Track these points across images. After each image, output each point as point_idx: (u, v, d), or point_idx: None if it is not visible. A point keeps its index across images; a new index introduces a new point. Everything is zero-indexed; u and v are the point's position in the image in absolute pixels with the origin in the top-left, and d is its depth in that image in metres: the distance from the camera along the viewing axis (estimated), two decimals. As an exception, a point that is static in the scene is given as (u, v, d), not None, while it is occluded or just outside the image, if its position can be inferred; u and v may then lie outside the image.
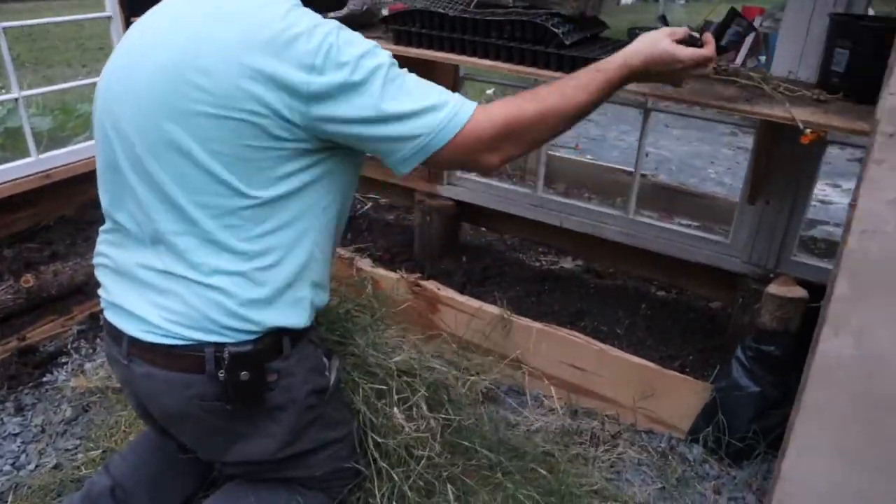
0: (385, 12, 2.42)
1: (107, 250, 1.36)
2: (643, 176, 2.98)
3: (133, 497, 1.53)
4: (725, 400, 1.95)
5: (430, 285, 2.33)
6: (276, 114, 1.13)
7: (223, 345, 1.24)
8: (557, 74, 1.94)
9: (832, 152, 4.60)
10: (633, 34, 1.90)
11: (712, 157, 4.93)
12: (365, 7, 2.41)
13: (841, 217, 3.25)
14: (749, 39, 2.09)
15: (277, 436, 1.36)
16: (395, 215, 3.38)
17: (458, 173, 2.82)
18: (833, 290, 1.31)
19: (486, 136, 1.21)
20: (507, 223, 2.84)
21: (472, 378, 2.05)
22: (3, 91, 4.22)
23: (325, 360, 1.44)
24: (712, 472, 1.95)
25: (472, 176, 2.87)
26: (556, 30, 1.91)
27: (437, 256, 2.90)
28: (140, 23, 1.30)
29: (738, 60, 2.12)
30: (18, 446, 1.96)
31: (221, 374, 1.23)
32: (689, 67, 1.36)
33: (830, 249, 3.10)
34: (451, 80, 2.63)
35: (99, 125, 1.29)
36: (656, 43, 1.34)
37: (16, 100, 2.54)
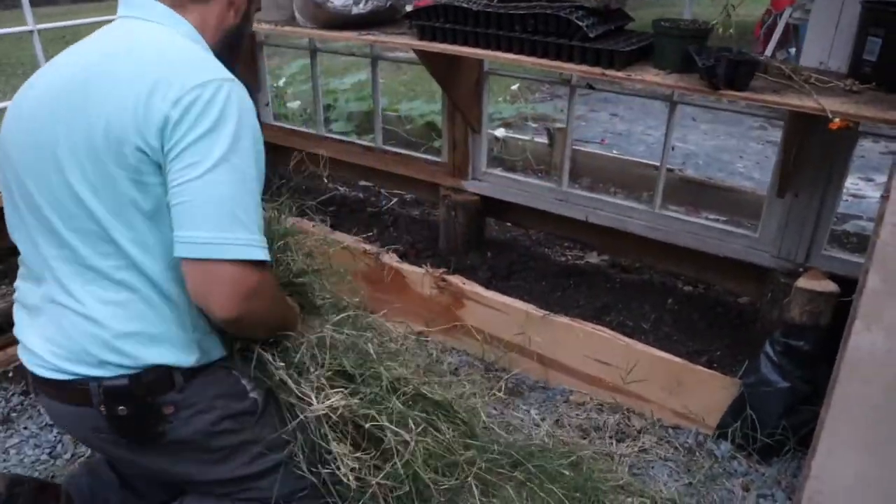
0: (409, 8, 2.43)
1: (18, 283, 1.35)
2: (670, 170, 2.94)
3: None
4: (754, 395, 1.93)
5: (456, 280, 2.34)
6: None
7: (101, 379, 1.20)
8: (582, 67, 1.93)
9: (865, 145, 4.50)
10: (658, 27, 1.89)
11: (740, 152, 4.86)
12: (388, 3, 2.42)
13: (874, 211, 3.19)
14: (778, 31, 2.06)
15: (198, 464, 1.32)
16: (420, 210, 3.39)
17: (485, 168, 2.82)
18: (865, 283, 1.29)
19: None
20: (533, 218, 2.83)
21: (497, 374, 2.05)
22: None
23: (243, 382, 1.34)
24: (740, 469, 1.93)
25: (498, 170, 2.87)
26: (580, 23, 1.90)
27: (462, 251, 2.90)
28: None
29: (768, 52, 2.10)
30: (55, 436, 2.01)
31: (102, 409, 1.21)
32: None
33: (863, 244, 3.04)
34: (476, 75, 2.62)
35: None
36: None
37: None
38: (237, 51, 1.38)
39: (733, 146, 4.96)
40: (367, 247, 2.50)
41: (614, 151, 4.58)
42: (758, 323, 2.34)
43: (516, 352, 2.23)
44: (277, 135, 3.38)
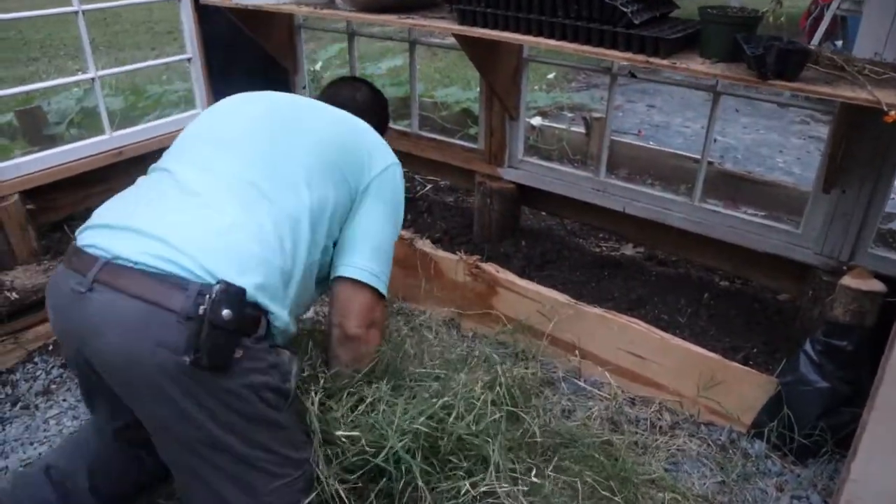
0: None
1: (144, 180, 1.49)
2: (709, 163, 2.89)
3: (72, 477, 1.46)
4: (791, 394, 1.89)
5: (490, 268, 2.33)
6: None
7: (210, 285, 1.19)
8: (625, 55, 1.89)
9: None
10: (706, 14, 1.84)
11: (781, 146, 4.75)
12: (430, -14, 2.40)
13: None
14: (824, 23, 1.99)
15: (228, 420, 1.24)
16: (455, 197, 3.38)
17: (521, 155, 2.79)
18: (916, 282, 1.25)
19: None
20: (569, 207, 2.80)
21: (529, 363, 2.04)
22: (80, 72, 4.37)
23: (289, 365, 1.35)
24: (774, 469, 1.90)
25: (534, 159, 2.84)
26: (624, 9, 1.86)
27: (496, 239, 2.88)
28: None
29: (813, 44, 2.03)
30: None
31: (202, 309, 1.15)
32: None
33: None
34: (515, 61, 2.59)
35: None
36: None
37: (92, 80, 2.63)
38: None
39: (773, 140, 4.86)
40: (401, 232, 2.50)
41: (651, 143, 4.51)
42: (797, 321, 2.29)
43: (548, 342, 2.21)
44: (314, 118, 3.38)
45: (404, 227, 2.76)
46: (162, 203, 1.33)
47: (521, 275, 2.41)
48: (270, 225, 1.32)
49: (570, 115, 4.88)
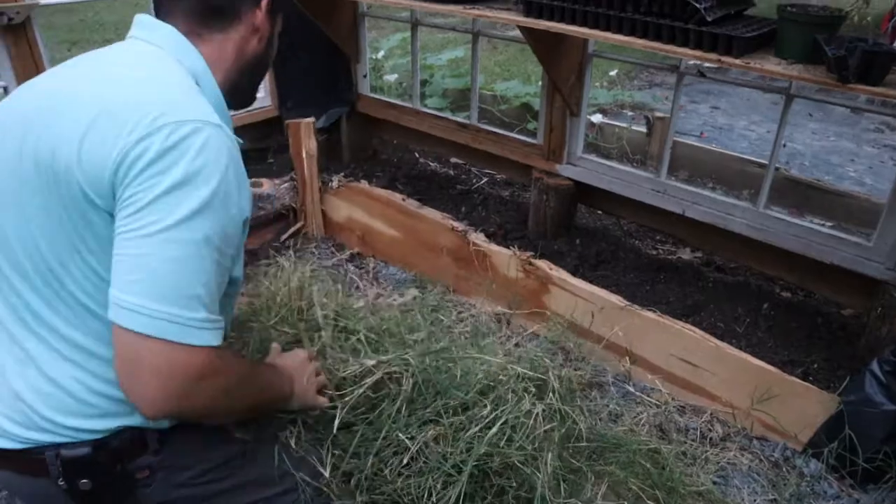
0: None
1: None
2: (775, 169, 2.79)
3: None
4: (854, 415, 1.80)
5: (543, 265, 2.29)
6: None
7: (59, 446, 1.01)
8: (696, 53, 1.84)
9: None
10: (784, 13, 1.76)
11: (852, 155, 4.56)
12: (496, -23, 2.37)
13: None
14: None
15: None
16: (511, 191, 3.35)
17: (580, 153, 2.74)
18: None
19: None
20: (626, 207, 2.74)
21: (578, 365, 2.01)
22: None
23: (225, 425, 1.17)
24: (831, 492, 1.82)
25: (593, 156, 2.79)
26: (697, 5, 1.80)
27: (550, 236, 2.84)
28: None
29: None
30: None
31: (61, 483, 1.01)
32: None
33: None
34: (579, 56, 2.54)
35: None
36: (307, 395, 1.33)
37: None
38: (259, 80, 1.26)
39: (845, 148, 4.67)
40: (455, 224, 2.49)
41: (713, 146, 4.39)
42: (863, 338, 2.19)
43: (599, 343, 2.17)
44: (374, 106, 3.40)
45: (459, 217, 2.76)
46: None
47: (575, 274, 2.36)
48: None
49: (630, 113, 4.79)
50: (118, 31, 7.08)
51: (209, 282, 0.95)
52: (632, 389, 2.13)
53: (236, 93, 1.17)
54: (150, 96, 0.97)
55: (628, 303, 2.15)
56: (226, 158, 0.97)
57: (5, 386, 1.02)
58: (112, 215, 0.94)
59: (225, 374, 0.99)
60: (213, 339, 0.95)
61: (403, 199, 2.66)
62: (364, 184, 2.83)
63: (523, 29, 2.24)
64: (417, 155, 3.72)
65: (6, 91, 2.39)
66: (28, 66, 2.36)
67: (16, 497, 1.18)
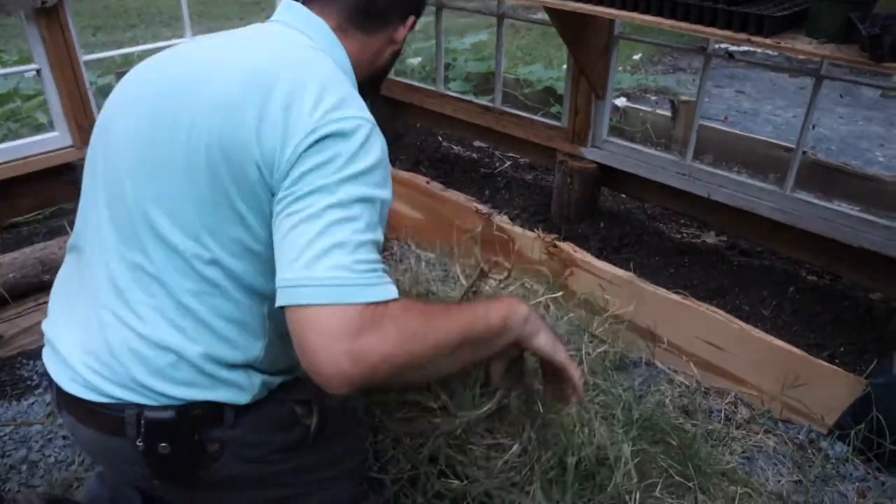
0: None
1: (64, 271, 1.18)
2: (803, 153, 2.76)
3: None
4: (881, 398, 1.79)
5: (567, 247, 2.30)
6: None
7: (143, 407, 1.01)
8: (725, 33, 1.82)
9: None
10: (817, -9, 1.74)
11: (882, 139, 4.49)
12: (523, -41, 2.36)
13: None
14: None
15: (245, 496, 1.15)
16: (534, 175, 3.35)
17: (605, 135, 2.73)
18: None
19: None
20: (650, 191, 2.73)
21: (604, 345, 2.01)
22: (174, 38, 4.53)
23: (296, 410, 1.16)
24: (856, 474, 1.82)
25: (618, 139, 2.78)
26: (728, -16, 1.79)
27: (574, 219, 2.84)
28: None
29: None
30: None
31: (139, 444, 1.02)
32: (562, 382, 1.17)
33: None
34: (605, 38, 2.53)
35: None
36: (557, 343, 1.13)
37: (188, 42, 2.71)
38: (377, 90, 1.28)
39: (874, 132, 4.59)
40: (479, 207, 2.50)
41: (738, 130, 4.34)
42: (891, 322, 2.18)
43: (623, 325, 2.17)
44: (398, 89, 3.41)
45: (482, 200, 2.77)
46: (74, 311, 1.10)
47: (599, 257, 2.37)
48: (173, 313, 1.01)
49: (654, 98, 4.75)
50: (142, 17, 7.14)
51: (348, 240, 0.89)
52: (655, 371, 2.14)
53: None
54: (325, 83, 0.98)
55: (653, 285, 2.15)
56: (383, 154, 0.99)
57: (101, 340, 1.03)
58: (273, 193, 0.94)
59: (396, 320, 0.89)
60: (366, 292, 0.87)
61: (427, 182, 2.67)
62: (388, 166, 2.84)
63: (549, 11, 2.24)
64: (441, 138, 3.72)
65: (39, 73, 2.43)
66: (60, 50, 2.40)
67: (95, 462, 1.20)
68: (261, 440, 1.11)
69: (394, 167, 2.84)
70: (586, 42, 2.47)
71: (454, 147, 3.65)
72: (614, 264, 2.30)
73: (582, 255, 2.28)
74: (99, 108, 2.61)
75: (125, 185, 1.03)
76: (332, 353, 0.84)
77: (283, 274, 0.89)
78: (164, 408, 1.01)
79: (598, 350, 1.84)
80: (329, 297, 0.85)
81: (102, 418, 1.03)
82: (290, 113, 0.94)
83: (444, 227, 2.61)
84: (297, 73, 0.99)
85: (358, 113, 0.98)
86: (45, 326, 1.14)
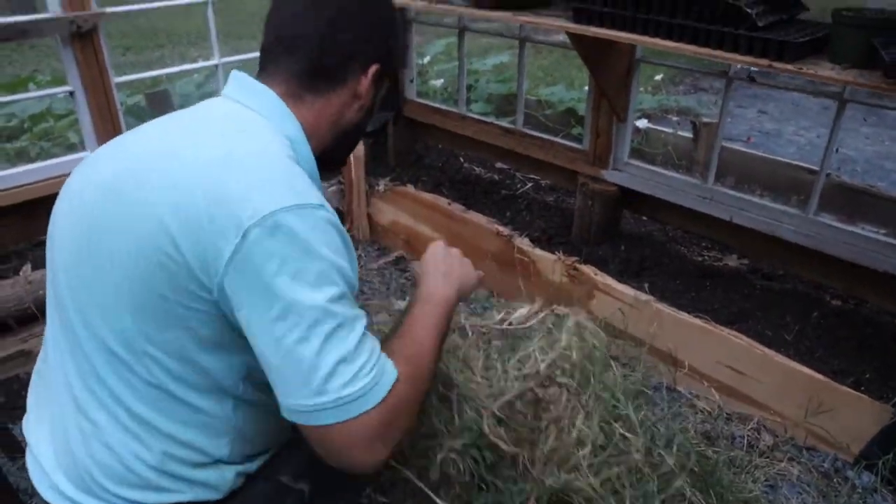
0: (565, -11, 2.39)
1: (40, 365, 1.17)
2: (826, 175, 2.74)
3: None
4: (909, 426, 1.77)
5: (587, 270, 2.30)
6: None
7: None
8: (746, 58, 1.83)
9: None
10: (839, 17, 1.75)
11: (909, 161, 4.44)
12: (545, -16, 2.40)
13: None
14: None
15: None
16: (555, 197, 3.35)
17: (626, 158, 2.74)
18: None
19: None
20: (672, 213, 2.73)
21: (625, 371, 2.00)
22: (200, 59, 4.63)
23: (283, 480, 1.12)
24: (884, 504, 1.79)
25: (640, 162, 2.78)
26: (749, 10, 1.80)
27: (594, 242, 2.84)
28: None
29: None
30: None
31: None
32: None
33: None
34: (627, 62, 2.54)
35: None
36: (470, 277, 1.26)
37: (216, 66, 2.78)
38: (351, 149, 1.22)
39: (900, 154, 4.55)
40: (500, 228, 2.51)
41: (761, 151, 4.32)
42: (918, 348, 2.15)
43: (643, 349, 2.16)
44: (420, 111, 3.45)
45: (503, 222, 2.78)
46: (42, 414, 1.10)
47: (619, 279, 2.37)
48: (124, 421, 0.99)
49: (675, 118, 4.74)
50: (170, 37, 7.30)
51: (358, 345, 0.91)
52: (676, 396, 2.12)
53: (328, 160, 1.13)
54: (257, 182, 0.92)
55: (674, 308, 2.15)
56: (334, 236, 0.94)
57: (66, 448, 1.02)
58: (218, 305, 0.92)
59: (404, 394, 0.95)
60: (378, 392, 0.91)
61: (449, 204, 2.69)
62: (410, 188, 2.87)
63: (572, 35, 2.26)
64: (462, 160, 3.75)
65: (73, 96, 2.50)
66: (94, 72, 2.46)
67: None
68: None
69: (415, 189, 2.87)
70: (608, 66, 2.48)
71: (475, 168, 3.67)
72: (635, 287, 2.29)
73: (602, 277, 2.28)
74: (128, 127, 2.67)
75: (65, 296, 1.02)
76: (371, 451, 0.91)
77: (297, 400, 0.89)
78: None
79: (619, 374, 1.82)
80: (350, 413, 0.89)
81: None
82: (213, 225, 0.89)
83: (465, 249, 2.62)
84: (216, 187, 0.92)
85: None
86: (25, 428, 1.12)
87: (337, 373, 0.88)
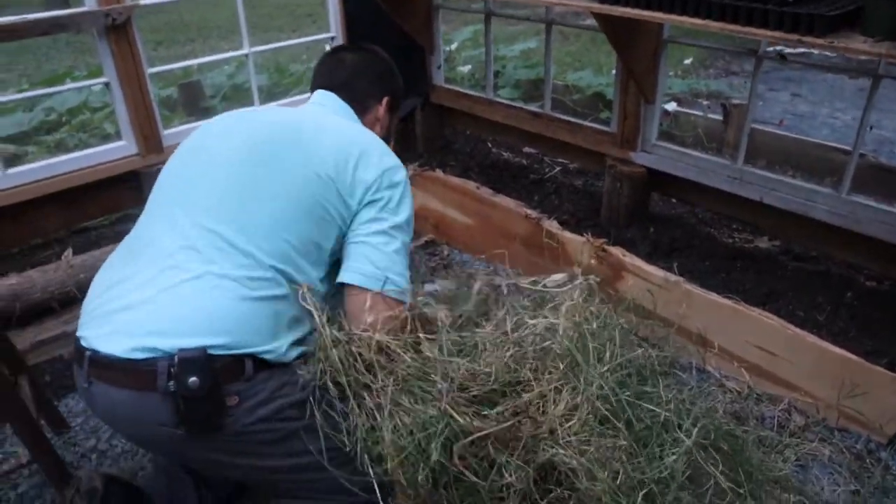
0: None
1: (110, 274, 1.40)
2: (861, 155, 2.69)
3: None
4: (944, 405, 1.74)
5: (616, 251, 2.29)
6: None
7: (173, 356, 1.18)
8: (776, 34, 1.81)
9: None
10: (871, -10, 1.71)
11: (949, 141, 4.33)
12: (571, -34, 2.38)
13: None
14: None
15: (258, 453, 1.28)
16: (583, 180, 3.35)
17: (655, 140, 2.72)
18: None
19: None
20: (701, 195, 2.71)
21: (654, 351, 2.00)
22: (231, 51, 4.69)
23: (300, 373, 1.29)
24: (918, 486, 1.76)
25: (668, 143, 2.76)
26: (778, -15, 1.77)
27: (623, 224, 2.84)
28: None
29: None
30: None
31: (171, 385, 1.17)
32: None
33: None
34: (654, 42, 2.52)
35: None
36: None
37: (246, 55, 2.82)
38: None
39: (939, 134, 4.43)
40: (529, 211, 2.52)
41: (793, 134, 4.25)
42: (954, 328, 2.11)
43: (673, 330, 2.16)
44: (447, 96, 3.46)
45: (531, 206, 2.79)
46: (130, 280, 1.29)
47: (648, 261, 2.36)
48: (234, 275, 1.26)
49: (706, 102, 4.68)
50: (200, 31, 7.39)
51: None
52: (705, 376, 2.11)
53: None
54: (385, 148, 1.47)
55: (704, 289, 2.14)
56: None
57: (150, 302, 1.23)
58: (342, 215, 1.37)
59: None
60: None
61: (477, 188, 2.71)
62: (439, 172, 2.88)
63: (598, 16, 2.25)
64: (490, 145, 3.76)
65: (108, 86, 2.57)
66: (128, 64, 2.53)
67: (128, 437, 1.43)
68: (271, 396, 1.26)
69: (444, 173, 2.89)
70: (635, 46, 2.47)
71: (504, 153, 3.68)
72: (664, 269, 2.29)
73: (631, 259, 2.27)
74: (162, 119, 2.73)
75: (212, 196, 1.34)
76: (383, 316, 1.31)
77: (368, 267, 1.35)
78: (196, 349, 1.19)
79: (648, 354, 1.82)
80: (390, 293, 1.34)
81: (137, 375, 1.19)
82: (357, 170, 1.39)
83: (494, 232, 2.64)
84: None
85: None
86: (89, 302, 1.33)
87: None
